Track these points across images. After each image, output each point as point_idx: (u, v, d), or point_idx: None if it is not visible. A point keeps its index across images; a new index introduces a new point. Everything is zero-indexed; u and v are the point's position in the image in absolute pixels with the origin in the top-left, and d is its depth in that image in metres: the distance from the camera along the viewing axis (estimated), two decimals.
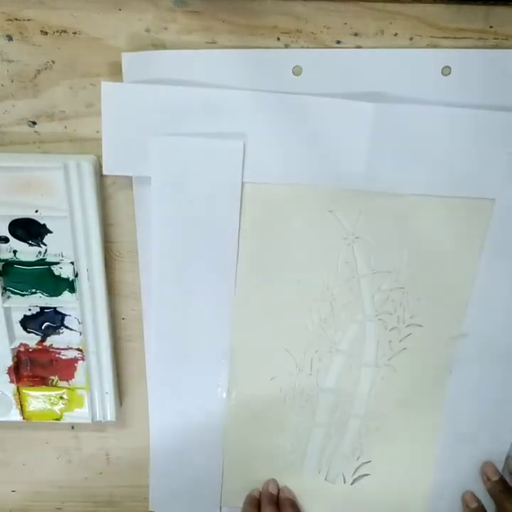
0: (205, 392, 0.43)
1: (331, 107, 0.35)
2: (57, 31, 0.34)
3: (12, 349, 0.41)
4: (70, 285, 0.40)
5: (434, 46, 0.35)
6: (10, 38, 0.34)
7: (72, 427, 0.46)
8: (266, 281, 0.40)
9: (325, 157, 0.36)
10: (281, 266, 0.39)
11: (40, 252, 0.39)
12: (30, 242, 0.38)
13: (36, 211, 0.37)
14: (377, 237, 0.39)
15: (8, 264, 0.39)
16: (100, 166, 0.36)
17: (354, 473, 0.46)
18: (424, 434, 0.44)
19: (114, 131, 0.35)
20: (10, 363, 0.42)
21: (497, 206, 0.37)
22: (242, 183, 0.37)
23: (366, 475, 0.46)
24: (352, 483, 0.46)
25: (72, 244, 0.38)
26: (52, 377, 0.43)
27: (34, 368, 0.43)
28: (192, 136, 0.35)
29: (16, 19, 0.34)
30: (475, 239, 0.38)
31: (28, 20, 0.34)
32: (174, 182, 0.37)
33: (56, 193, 0.37)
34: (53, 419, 0.44)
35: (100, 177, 0.37)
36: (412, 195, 0.37)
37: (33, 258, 0.39)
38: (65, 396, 0.43)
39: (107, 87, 0.34)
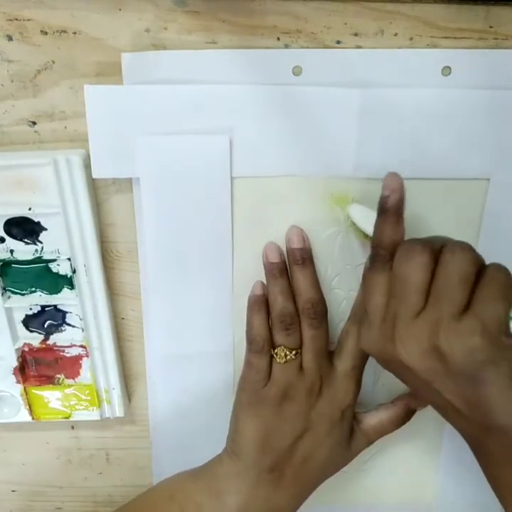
0: (210, 390, 0.43)
1: (318, 95, 0.35)
2: (57, 31, 0.34)
3: (16, 349, 0.41)
4: (68, 282, 0.40)
5: (434, 46, 0.35)
6: (10, 38, 0.34)
7: (72, 427, 0.46)
8: (263, 276, 0.40)
9: (314, 146, 0.36)
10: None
11: (36, 250, 0.39)
12: (25, 240, 0.38)
13: (29, 209, 0.37)
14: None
15: (6, 264, 0.39)
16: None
17: (365, 463, 0.46)
18: (431, 421, 0.44)
19: (101, 134, 0.35)
20: (15, 363, 0.42)
21: (492, 185, 0.37)
22: (232, 178, 0.37)
23: (377, 463, 0.45)
24: (363, 472, 0.46)
25: (68, 240, 0.38)
26: (58, 376, 0.43)
27: (39, 368, 0.43)
28: (177, 134, 0.35)
29: (16, 19, 0.34)
30: (471, 220, 0.38)
31: (28, 20, 0.34)
32: (163, 181, 0.37)
33: (48, 190, 0.36)
34: (63, 418, 0.44)
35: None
36: (404, 179, 0.37)
37: (30, 256, 0.39)
38: (72, 394, 0.43)
39: (89, 90, 0.34)
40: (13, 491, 0.50)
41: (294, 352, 0.37)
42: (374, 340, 0.33)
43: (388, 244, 0.32)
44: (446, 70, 0.35)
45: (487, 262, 0.39)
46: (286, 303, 0.37)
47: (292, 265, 0.38)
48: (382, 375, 0.43)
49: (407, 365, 0.31)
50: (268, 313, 0.38)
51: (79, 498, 0.50)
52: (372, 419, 0.41)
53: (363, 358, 0.39)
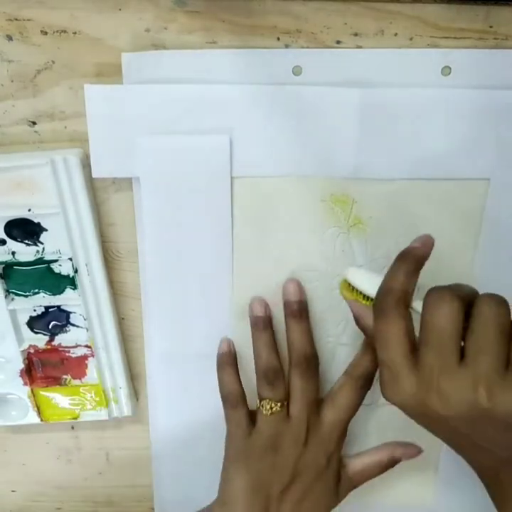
0: (210, 390, 0.43)
1: (318, 95, 0.35)
2: (57, 31, 0.34)
3: (22, 351, 0.41)
4: (71, 282, 0.40)
5: (434, 46, 0.35)
6: (10, 38, 0.34)
7: (72, 427, 0.46)
8: (263, 276, 0.40)
9: (314, 146, 0.36)
10: (277, 259, 0.39)
11: (38, 251, 0.39)
12: (26, 241, 0.38)
13: (29, 210, 0.37)
14: (373, 224, 0.38)
15: (8, 266, 0.39)
16: (89, 158, 0.36)
17: None
18: None
19: (101, 134, 0.35)
20: (21, 365, 0.42)
21: (492, 186, 0.37)
22: (232, 178, 0.37)
23: None
24: None
25: (68, 240, 0.38)
26: (64, 377, 0.43)
27: (46, 369, 0.43)
28: (178, 134, 0.35)
29: (16, 19, 0.34)
30: (471, 220, 0.38)
31: (28, 20, 0.34)
32: (163, 181, 0.37)
33: (47, 190, 0.36)
34: (71, 419, 0.44)
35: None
36: (404, 179, 0.37)
37: (31, 258, 0.39)
38: (80, 394, 0.43)
39: (89, 90, 0.34)
40: (13, 491, 0.50)
41: (279, 404, 0.38)
42: (406, 393, 0.31)
43: (399, 290, 0.32)
44: (446, 70, 0.35)
45: (487, 262, 0.39)
46: (270, 357, 0.38)
47: (288, 317, 0.39)
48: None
49: (445, 416, 0.30)
50: (237, 367, 0.40)
51: (79, 498, 0.50)
52: (357, 465, 0.41)
53: (352, 412, 0.39)
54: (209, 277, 0.39)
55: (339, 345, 0.42)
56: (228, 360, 0.40)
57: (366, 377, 0.38)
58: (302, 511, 0.39)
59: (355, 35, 0.35)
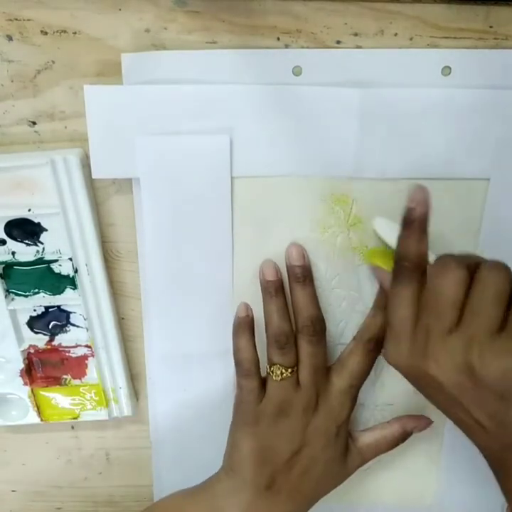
0: (210, 390, 0.43)
1: (318, 95, 0.35)
2: (57, 31, 0.34)
3: (22, 351, 0.41)
4: (71, 282, 0.40)
5: (434, 46, 0.35)
6: (10, 38, 0.34)
7: (72, 427, 0.46)
8: None
9: (314, 146, 0.36)
10: (277, 259, 0.39)
11: (38, 251, 0.39)
12: (26, 241, 0.38)
13: (29, 210, 0.37)
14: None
15: (8, 266, 0.39)
16: (89, 158, 0.36)
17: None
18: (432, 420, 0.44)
19: (101, 134, 0.35)
20: (21, 365, 0.42)
21: (492, 185, 0.37)
22: (232, 178, 0.37)
23: (377, 463, 0.45)
24: (363, 472, 0.46)
25: (68, 240, 0.38)
26: (64, 377, 0.43)
27: (46, 369, 0.43)
28: (177, 134, 0.35)
29: (16, 19, 0.34)
30: (471, 220, 0.38)
31: (28, 20, 0.34)
32: (163, 181, 0.37)
33: (46, 190, 0.36)
34: (71, 418, 0.44)
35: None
36: (404, 179, 0.37)
37: (31, 258, 0.39)
38: (80, 394, 0.43)
39: (89, 90, 0.34)
40: (13, 491, 0.50)
41: (289, 370, 0.37)
42: (403, 354, 0.32)
43: (413, 256, 0.32)
44: (446, 70, 0.35)
45: None
46: (281, 322, 0.37)
47: (292, 283, 0.38)
48: (382, 375, 0.43)
49: (438, 380, 0.31)
50: (253, 334, 0.39)
51: (79, 498, 0.50)
52: (367, 438, 0.41)
53: (362, 377, 0.39)
54: (209, 277, 0.39)
55: (339, 345, 0.42)
56: (246, 326, 0.39)
57: (376, 341, 0.38)
58: (310, 479, 0.39)
59: (355, 35, 0.35)
